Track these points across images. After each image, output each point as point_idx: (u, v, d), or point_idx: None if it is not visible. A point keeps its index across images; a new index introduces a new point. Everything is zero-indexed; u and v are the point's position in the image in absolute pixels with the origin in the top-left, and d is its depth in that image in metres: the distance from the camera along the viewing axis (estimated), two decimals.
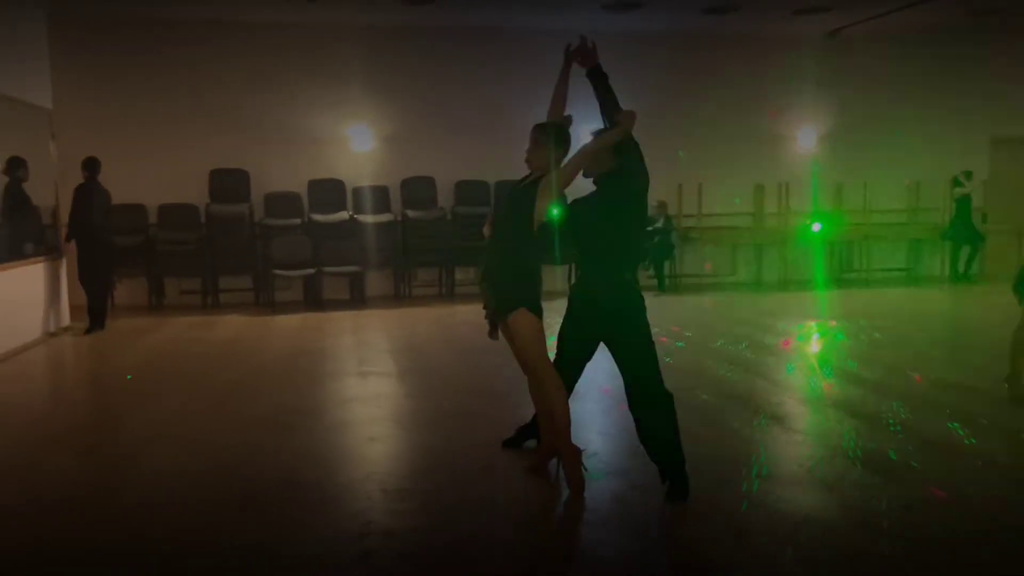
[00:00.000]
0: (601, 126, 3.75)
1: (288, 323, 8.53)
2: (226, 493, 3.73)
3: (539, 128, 3.71)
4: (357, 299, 9.90)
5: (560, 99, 3.85)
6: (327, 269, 9.63)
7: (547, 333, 3.69)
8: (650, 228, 10.82)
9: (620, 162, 3.63)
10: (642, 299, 3.66)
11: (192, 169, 9.82)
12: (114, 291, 9.03)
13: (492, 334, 3.78)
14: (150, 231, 9.67)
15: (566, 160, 3.59)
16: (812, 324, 8.21)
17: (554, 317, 3.86)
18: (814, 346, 7.12)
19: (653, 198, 10.75)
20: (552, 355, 3.78)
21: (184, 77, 9.86)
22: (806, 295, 10.34)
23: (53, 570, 2.98)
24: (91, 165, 8.07)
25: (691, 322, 8.26)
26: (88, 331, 7.91)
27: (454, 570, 2.92)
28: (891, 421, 4.61)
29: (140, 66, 9.77)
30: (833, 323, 8.20)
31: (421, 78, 10.41)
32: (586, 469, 3.66)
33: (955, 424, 4.51)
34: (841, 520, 3.30)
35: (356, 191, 10.21)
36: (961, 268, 11.27)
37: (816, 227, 11.09)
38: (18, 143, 7.69)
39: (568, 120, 3.78)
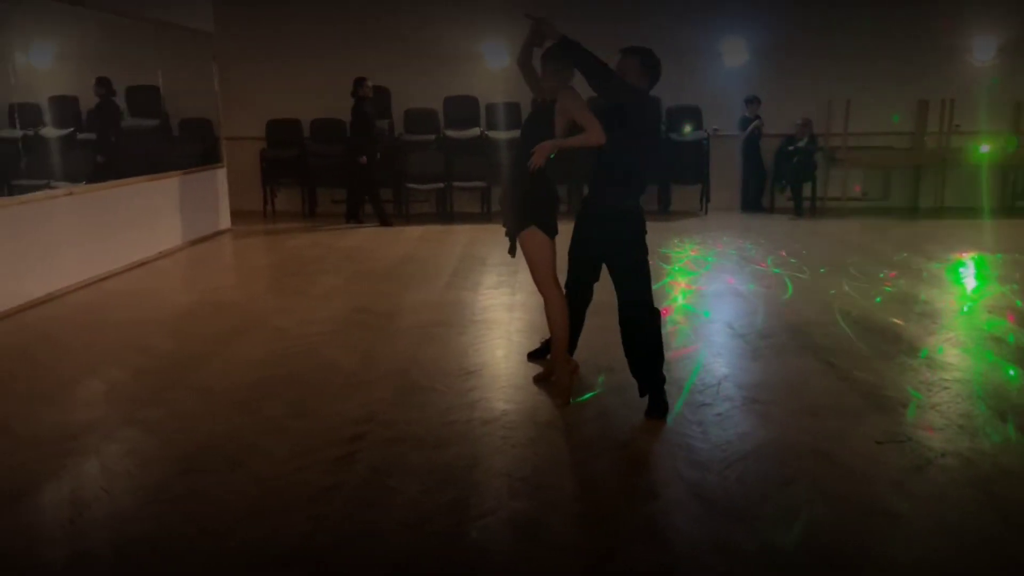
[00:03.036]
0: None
1: (412, 234, 9.17)
2: (281, 372, 4.38)
3: (547, 58, 3.81)
4: (485, 213, 10.38)
5: (531, 72, 3.91)
6: (457, 184, 10.15)
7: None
8: (791, 148, 10.35)
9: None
10: (643, 224, 3.77)
11: (341, 86, 10.53)
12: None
13: (512, 252, 4.03)
14: (304, 144, 10.61)
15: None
16: (939, 256, 7.63)
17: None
18: (921, 280, 6.67)
19: (797, 115, 10.27)
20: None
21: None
22: (963, 224, 9.52)
23: (155, 396, 3.72)
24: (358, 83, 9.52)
25: (806, 248, 7.97)
26: (384, 224, 9.70)
27: (422, 456, 3.31)
28: (937, 362, 4.43)
29: None
30: (963, 256, 7.60)
31: None
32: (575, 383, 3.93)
33: (1002, 362, 4.25)
34: (805, 447, 3.34)
35: (489, 107, 10.54)
36: None
37: (984, 148, 10.08)
38: (183, 65, 8.75)
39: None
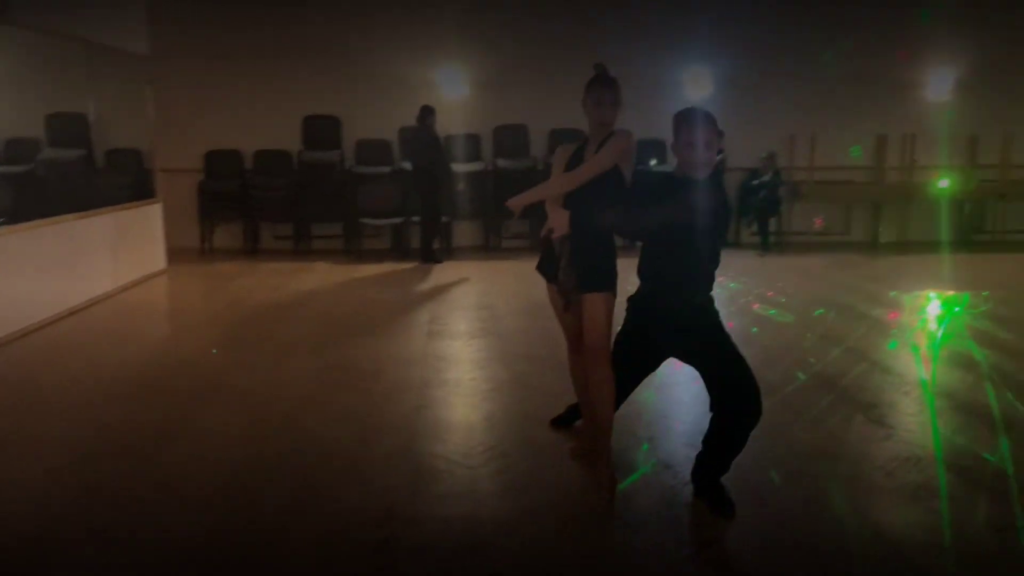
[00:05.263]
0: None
1: (370, 272, 8.49)
2: (263, 453, 3.67)
3: (616, 86, 3.33)
4: (444, 250, 9.75)
5: None
6: (415, 218, 9.51)
7: None
8: (756, 182, 10.15)
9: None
10: (717, 314, 3.19)
11: (286, 116, 9.85)
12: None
13: (568, 308, 3.36)
14: (245, 177, 9.81)
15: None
16: (927, 293, 7.44)
17: None
18: (926, 320, 6.41)
19: (763, 148, 10.08)
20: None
21: (277, 23, 9.84)
22: (927, 259, 9.45)
23: (93, 495, 2.96)
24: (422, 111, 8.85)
25: (790, 287, 7.67)
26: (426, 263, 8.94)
27: (471, 567, 2.70)
28: (998, 416, 4.05)
29: (234, 14, 9.80)
30: (950, 293, 7.42)
31: (517, 23, 9.99)
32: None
33: None
34: (913, 539, 2.86)
35: (447, 139, 9.98)
36: None
37: (943, 183, 10.09)
38: (116, 90, 7.89)
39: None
